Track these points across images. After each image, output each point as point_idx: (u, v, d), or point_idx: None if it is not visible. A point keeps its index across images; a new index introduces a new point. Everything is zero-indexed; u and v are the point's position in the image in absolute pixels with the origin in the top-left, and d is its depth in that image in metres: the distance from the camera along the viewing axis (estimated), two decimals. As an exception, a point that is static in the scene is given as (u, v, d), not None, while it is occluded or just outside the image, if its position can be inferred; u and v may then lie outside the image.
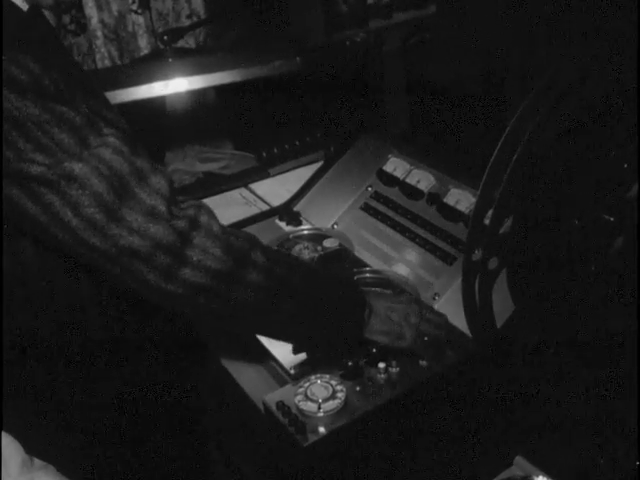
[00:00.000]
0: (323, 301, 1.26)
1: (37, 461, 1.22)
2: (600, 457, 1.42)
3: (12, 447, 1.19)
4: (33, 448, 1.22)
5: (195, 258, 1.07)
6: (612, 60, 1.10)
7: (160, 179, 1.08)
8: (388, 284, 1.61)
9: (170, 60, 2.03)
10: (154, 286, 1.06)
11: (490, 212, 1.14)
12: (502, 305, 1.35)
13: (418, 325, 1.34)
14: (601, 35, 1.17)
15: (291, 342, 1.36)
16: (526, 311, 1.31)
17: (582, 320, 1.31)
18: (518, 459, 1.45)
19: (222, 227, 1.14)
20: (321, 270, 1.46)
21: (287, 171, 2.46)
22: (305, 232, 1.87)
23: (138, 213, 1.03)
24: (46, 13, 2.45)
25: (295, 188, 2.06)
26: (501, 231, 1.18)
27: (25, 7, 1.13)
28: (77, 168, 0.99)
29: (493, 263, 1.22)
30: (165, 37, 2.09)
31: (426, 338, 1.35)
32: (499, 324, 1.36)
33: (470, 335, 1.37)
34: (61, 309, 1.23)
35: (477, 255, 1.18)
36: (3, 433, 1.19)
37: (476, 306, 1.26)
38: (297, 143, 2.71)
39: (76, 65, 1.33)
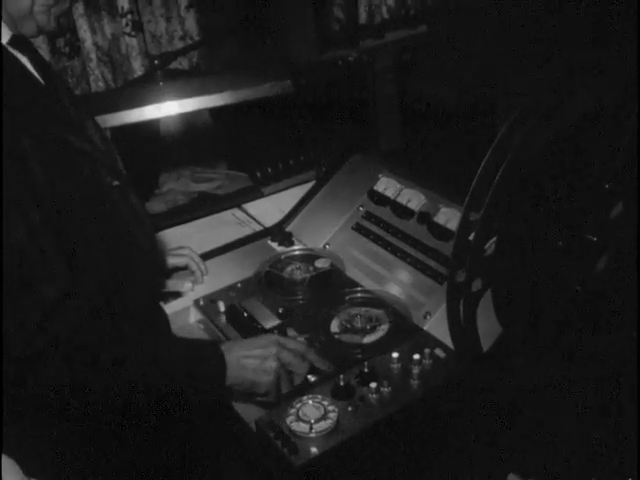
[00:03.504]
0: (176, 378, 1.27)
1: None
2: (594, 474, 1.43)
3: (11, 470, 1.20)
4: (32, 471, 1.22)
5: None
6: (592, 81, 1.12)
7: None
8: (380, 304, 1.62)
9: (161, 84, 2.05)
10: None
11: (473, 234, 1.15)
12: (494, 325, 1.36)
13: (277, 369, 1.33)
14: (584, 56, 1.18)
15: None
16: (512, 332, 1.32)
17: (569, 339, 1.32)
18: (511, 477, 1.46)
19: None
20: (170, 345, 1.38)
21: (281, 190, 2.46)
22: (297, 252, 1.87)
23: None
24: (40, 37, 2.48)
25: (288, 208, 2.07)
26: (485, 253, 1.19)
27: (9, 35, 1.15)
28: None
29: (477, 284, 1.22)
30: (156, 61, 2.11)
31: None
32: (490, 343, 1.37)
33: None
34: None
35: (461, 276, 1.19)
36: (4, 456, 1.19)
37: (461, 327, 1.26)
38: (291, 162, 2.72)
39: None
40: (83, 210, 1.18)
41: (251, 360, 1.32)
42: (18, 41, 1.19)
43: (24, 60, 1.22)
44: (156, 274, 1.50)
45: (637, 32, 1.15)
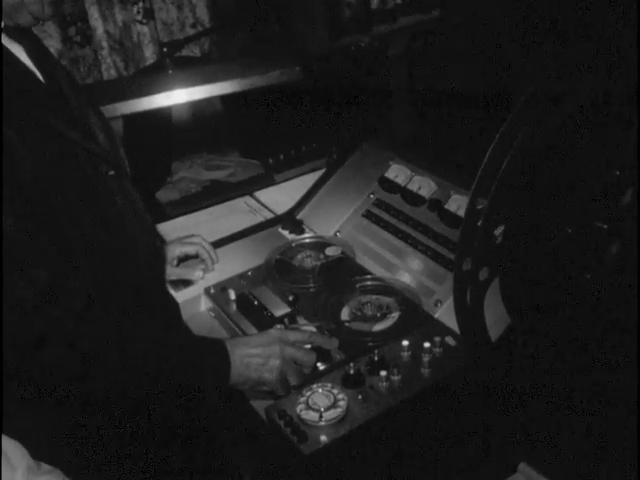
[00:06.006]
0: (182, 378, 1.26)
1: (44, 465, 1.23)
2: (603, 464, 1.42)
3: (18, 452, 1.21)
4: (39, 454, 1.23)
5: None
6: (601, 67, 1.10)
7: None
8: (390, 291, 1.61)
9: (170, 72, 2.04)
10: None
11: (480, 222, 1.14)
12: (502, 314, 1.35)
13: (280, 366, 1.32)
14: (595, 43, 1.17)
15: None
16: (521, 321, 1.31)
17: (579, 328, 1.31)
18: (522, 466, 1.45)
19: None
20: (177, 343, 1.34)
21: (292, 178, 2.46)
22: (307, 240, 1.87)
23: None
24: (52, 26, 2.49)
25: (299, 195, 2.07)
26: (492, 241, 1.17)
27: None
28: None
29: (484, 273, 1.21)
30: (164, 49, 2.10)
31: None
32: (499, 332, 1.36)
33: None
34: None
35: (467, 265, 1.17)
36: (10, 439, 1.20)
37: (468, 317, 1.25)
38: (303, 149, 2.72)
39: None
40: (76, 199, 1.18)
41: (254, 359, 1.30)
42: (11, 30, 1.18)
43: (19, 49, 1.21)
44: (157, 263, 1.49)
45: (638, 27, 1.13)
